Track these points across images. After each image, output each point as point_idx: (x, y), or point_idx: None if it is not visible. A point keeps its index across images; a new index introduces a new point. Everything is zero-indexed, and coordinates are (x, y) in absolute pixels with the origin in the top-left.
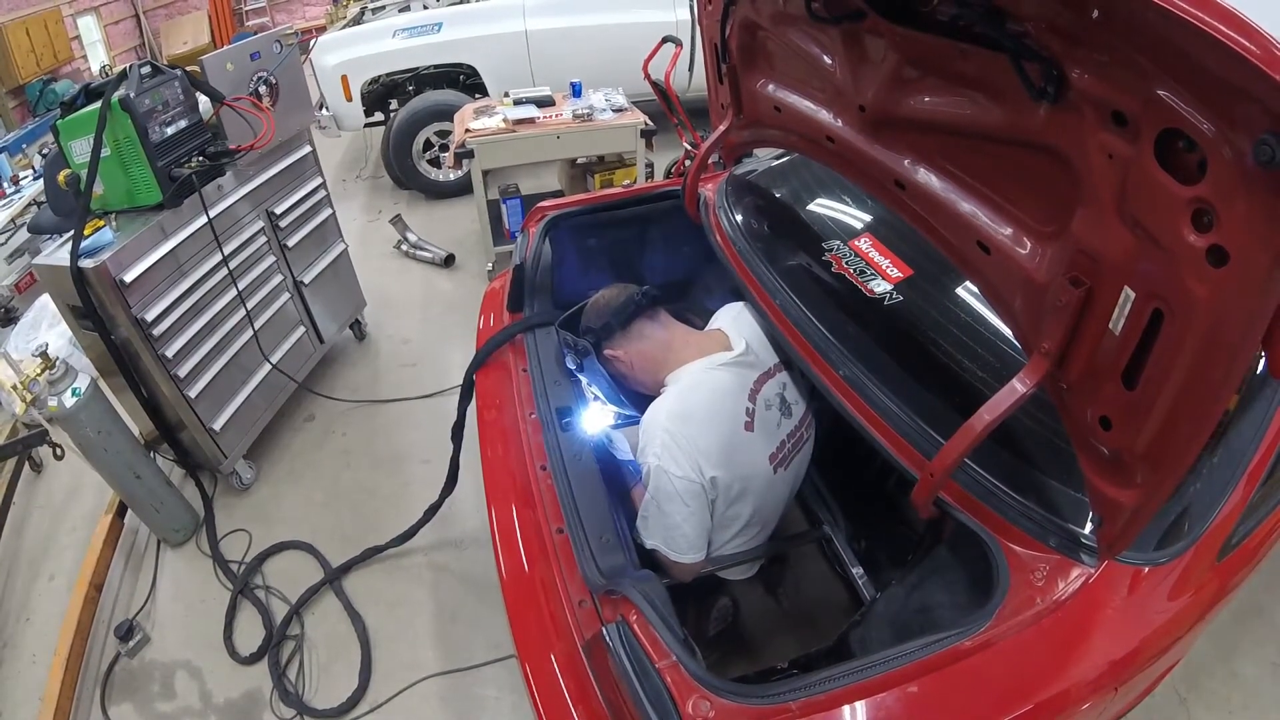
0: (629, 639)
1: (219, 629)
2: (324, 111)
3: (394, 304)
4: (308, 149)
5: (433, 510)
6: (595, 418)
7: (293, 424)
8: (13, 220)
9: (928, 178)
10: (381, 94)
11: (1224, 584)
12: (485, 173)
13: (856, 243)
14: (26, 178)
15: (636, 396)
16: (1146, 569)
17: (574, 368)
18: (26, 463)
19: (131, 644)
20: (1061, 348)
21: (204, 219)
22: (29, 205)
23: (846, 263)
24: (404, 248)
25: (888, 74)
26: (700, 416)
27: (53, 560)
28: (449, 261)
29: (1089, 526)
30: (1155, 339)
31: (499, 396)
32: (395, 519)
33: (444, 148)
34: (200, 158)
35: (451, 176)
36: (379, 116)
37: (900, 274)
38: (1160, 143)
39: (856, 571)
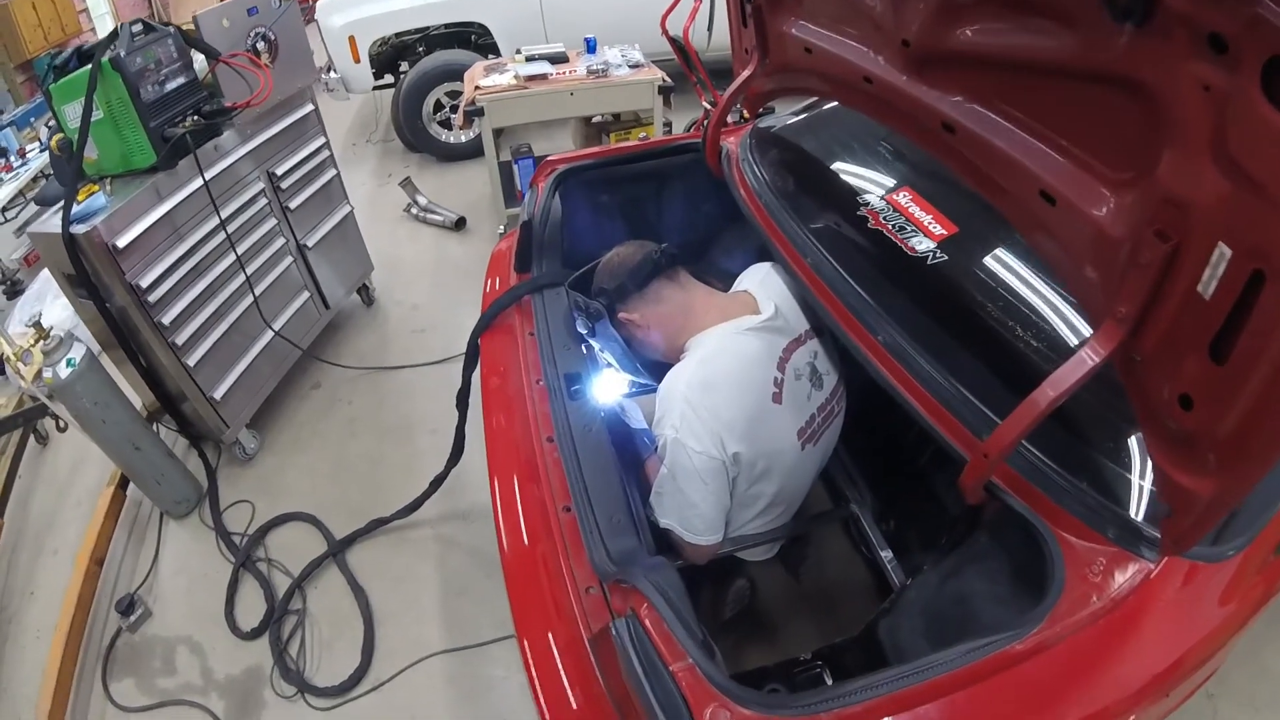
0: (640, 636)
1: (221, 603)
2: (331, 74)
3: (403, 268)
4: (310, 108)
5: (438, 482)
6: (608, 386)
7: (299, 392)
8: (21, 193)
9: (981, 120)
10: (391, 56)
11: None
12: (496, 132)
13: (895, 197)
14: (34, 150)
15: (653, 364)
16: (1205, 565)
17: (585, 332)
18: (32, 436)
19: (133, 619)
20: (1140, 313)
21: (200, 181)
22: (36, 178)
23: (884, 218)
24: (414, 211)
25: (936, 1)
26: (724, 386)
27: (57, 534)
28: (460, 225)
29: (1140, 514)
30: (1253, 306)
31: (504, 362)
32: (402, 490)
33: (455, 109)
34: (195, 117)
35: (463, 138)
36: (389, 79)
37: (944, 231)
38: (1267, 73)
39: (886, 556)
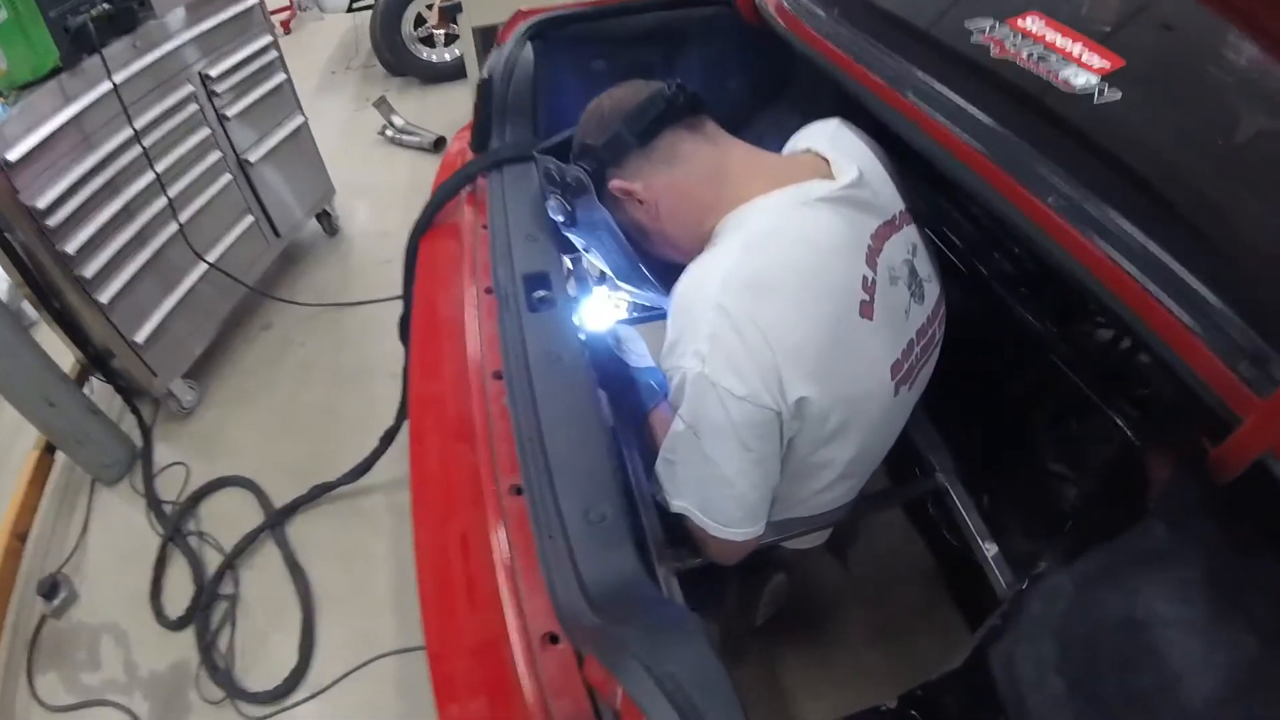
0: None
1: (149, 584)
2: None
3: (374, 194)
4: (254, 0)
5: (389, 436)
6: (594, 305)
7: (247, 335)
8: None
9: None
10: None
11: None
12: (478, 32)
13: (1020, 22)
14: None
15: (665, 267)
16: None
17: (560, 219)
18: None
19: (56, 602)
20: None
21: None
22: None
23: (1012, 46)
24: (389, 133)
25: None
26: (785, 286)
27: None
28: (439, 145)
29: None
30: None
31: (446, 270)
32: (357, 447)
33: (438, 24)
34: (104, 4)
35: (447, 57)
36: (369, 0)
37: (1106, 63)
38: None
39: (988, 549)
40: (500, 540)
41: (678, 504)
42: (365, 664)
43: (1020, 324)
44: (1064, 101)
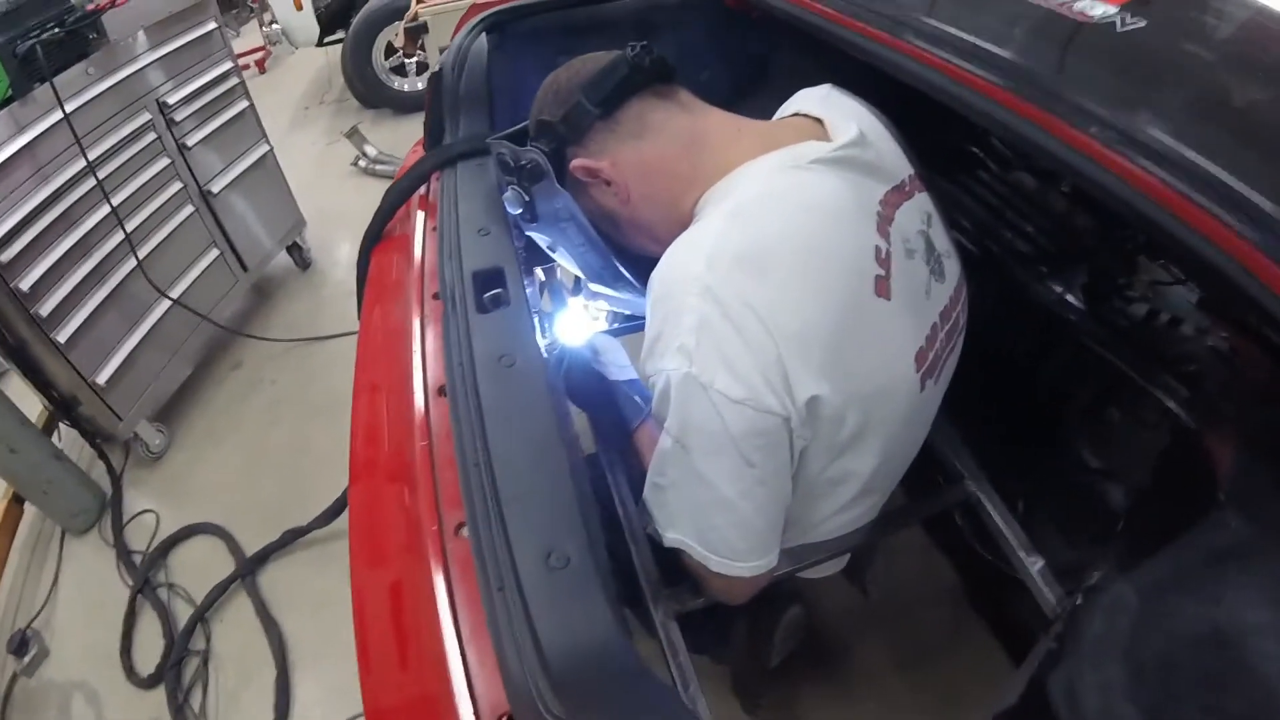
0: None
1: (119, 638)
2: (273, 26)
3: (346, 225)
4: (212, 25)
5: None
6: (572, 320)
7: (216, 375)
8: None
9: None
10: (341, 8)
11: None
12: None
13: None
14: None
15: (644, 266)
16: None
17: (520, 212)
18: None
19: (26, 660)
20: None
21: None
22: None
23: None
24: (362, 164)
25: None
26: (783, 260)
27: None
28: None
29: None
30: None
31: (392, 280)
32: (328, 486)
33: (408, 53)
34: (55, 29)
35: (419, 85)
36: (340, 35)
37: None
38: None
39: (1033, 563)
40: (443, 595)
41: (671, 536)
42: None
43: (1043, 305)
44: (1087, 32)
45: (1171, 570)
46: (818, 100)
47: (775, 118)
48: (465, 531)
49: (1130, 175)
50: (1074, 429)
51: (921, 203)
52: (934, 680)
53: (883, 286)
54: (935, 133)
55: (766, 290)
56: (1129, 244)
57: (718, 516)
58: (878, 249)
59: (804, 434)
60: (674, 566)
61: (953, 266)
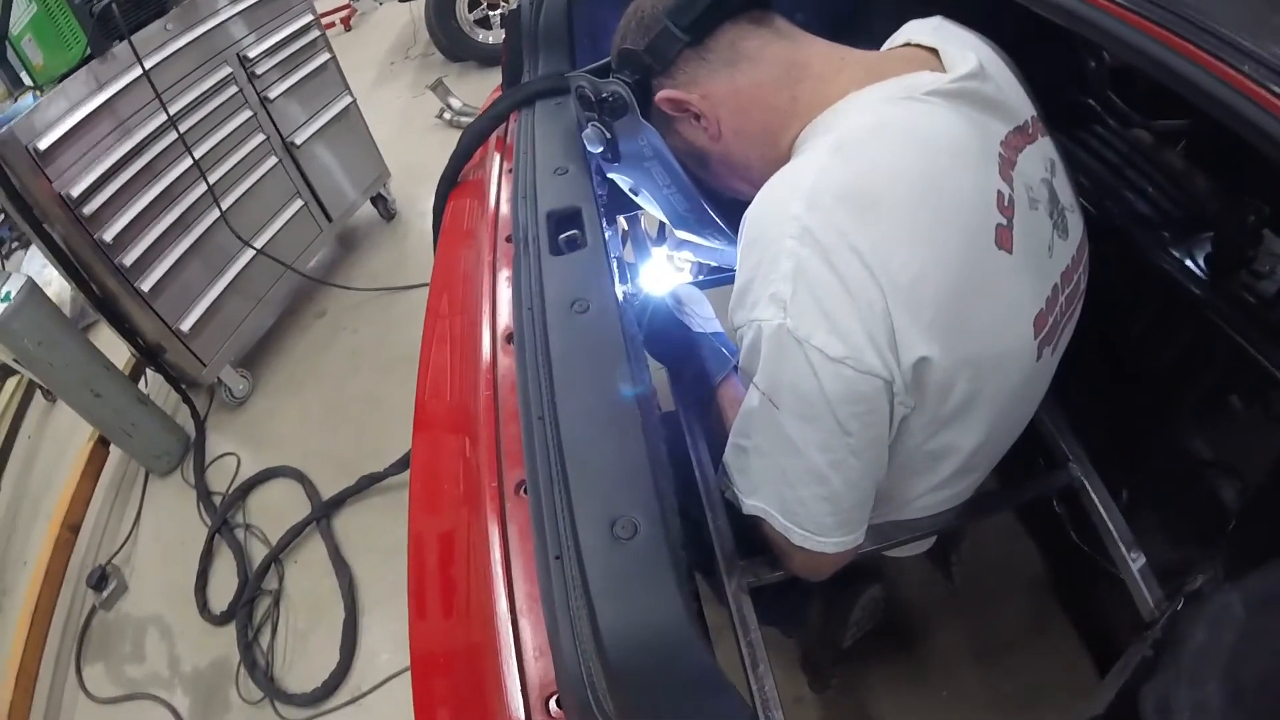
0: None
1: (194, 577)
2: None
3: (431, 177)
4: None
5: None
6: (654, 271)
7: (301, 322)
8: None
9: None
10: None
11: None
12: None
13: None
14: None
15: (735, 210)
16: None
17: (601, 151)
18: (39, 391)
19: (105, 594)
20: None
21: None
22: None
23: None
24: (447, 116)
25: None
26: (896, 197)
27: (53, 497)
28: None
29: None
30: None
31: (467, 224)
32: (404, 435)
33: (492, 4)
34: None
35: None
36: None
37: None
38: None
39: (1135, 560)
40: (497, 557)
41: (751, 504)
42: (406, 670)
43: (1165, 274)
44: None
45: (1273, 580)
46: (930, 30)
47: (883, 49)
48: (526, 490)
49: None
50: (1189, 416)
51: (1045, 148)
52: (1011, 675)
53: (1005, 237)
54: (1050, 79)
55: (875, 233)
56: (1254, 214)
57: (804, 487)
58: (1000, 194)
59: (907, 401)
60: (752, 535)
61: (1076, 222)
